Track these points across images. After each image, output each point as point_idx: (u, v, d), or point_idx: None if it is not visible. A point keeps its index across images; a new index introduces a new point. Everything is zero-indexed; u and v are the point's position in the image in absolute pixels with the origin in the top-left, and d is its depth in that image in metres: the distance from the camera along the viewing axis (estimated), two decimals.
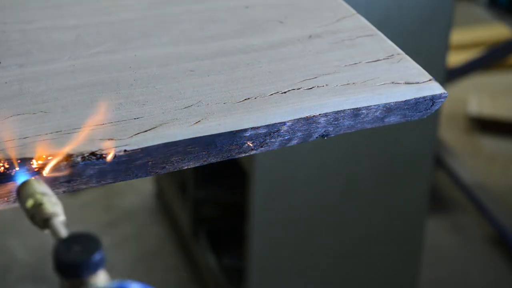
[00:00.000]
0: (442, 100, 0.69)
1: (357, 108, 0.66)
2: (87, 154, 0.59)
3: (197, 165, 0.64)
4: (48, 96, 0.64)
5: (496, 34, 3.19)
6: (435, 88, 0.69)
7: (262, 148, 0.65)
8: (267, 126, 0.64)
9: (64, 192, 0.60)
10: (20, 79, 0.66)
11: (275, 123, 0.64)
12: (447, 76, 2.06)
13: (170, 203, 2.29)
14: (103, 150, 0.59)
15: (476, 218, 2.38)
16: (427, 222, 1.94)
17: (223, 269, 1.92)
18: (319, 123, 0.66)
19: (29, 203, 0.56)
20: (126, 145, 0.60)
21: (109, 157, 0.59)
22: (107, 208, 2.38)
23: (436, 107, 0.70)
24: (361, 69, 0.71)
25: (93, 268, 0.53)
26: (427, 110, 0.70)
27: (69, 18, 0.76)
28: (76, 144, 0.59)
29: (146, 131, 0.61)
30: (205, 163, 0.64)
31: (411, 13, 1.55)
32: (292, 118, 0.64)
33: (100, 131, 0.60)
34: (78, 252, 0.53)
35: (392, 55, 0.73)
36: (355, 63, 0.71)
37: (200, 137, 0.62)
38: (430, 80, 0.70)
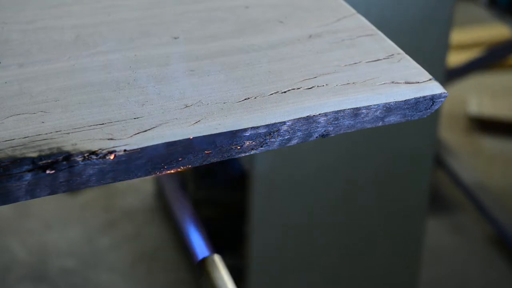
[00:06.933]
0: (442, 99, 0.69)
1: (357, 107, 0.66)
2: (87, 154, 0.59)
3: (197, 165, 0.64)
4: (48, 96, 0.64)
5: (496, 34, 3.19)
6: (435, 88, 0.69)
7: (262, 148, 0.65)
8: (267, 125, 0.64)
9: (64, 192, 0.60)
10: (20, 79, 0.66)
11: (275, 123, 0.64)
12: (447, 76, 2.07)
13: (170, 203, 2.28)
14: (103, 150, 0.59)
15: (476, 218, 2.38)
16: (427, 222, 1.94)
17: None
18: (319, 122, 0.66)
19: None
20: (126, 144, 0.60)
21: (109, 157, 0.59)
22: (107, 208, 2.38)
23: (436, 107, 0.70)
24: (361, 68, 0.71)
25: None
26: (427, 109, 0.70)
27: (69, 18, 0.76)
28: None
29: (146, 130, 0.61)
30: (205, 163, 0.64)
31: (411, 13, 1.55)
32: (292, 118, 0.64)
33: (99, 131, 0.61)
34: None
35: (392, 54, 0.73)
36: (355, 63, 0.71)
37: (200, 137, 0.62)
38: (430, 79, 0.70)
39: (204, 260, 0.60)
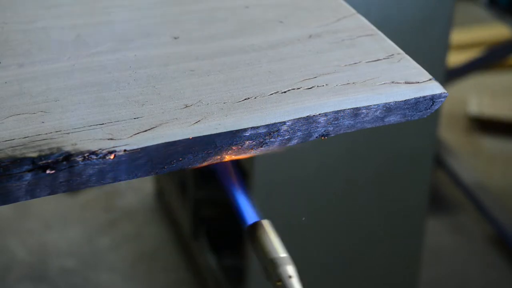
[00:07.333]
0: (442, 99, 0.69)
1: (357, 107, 0.66)
2: (87, 154, 0.59)
3: (197, 165, 0.64)
4: (48, 96, 0.64)
5: (496, 34, 3.19)
6: (435, 88, 0.69)
7: (262, 148, 0.65)
8: (267, 126, 0.64)
9: (64, 192, 0.60)
10: (20, 79, 0.66)
11: (275, 123, 0.64)
12: (447, 76, 2.06)
13: (170, 203, 2.29)
14: (103, 150, 0.59)
15: (476, 218, 2.38)
16: (427, 222, 1.94)
17: (223, 269, 1.92)
18: (319, 122, 0.66)
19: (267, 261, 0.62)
20: (126, 144, 0.60)
21: (109, 157, 0.59)
22: (107, 208, 2.38)
23: (436, 107, 0.70)
24: (361, 68, 0.70)
25: None
26: (427, 109, 0.70)
27: (69, 18, 0.76)
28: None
29: (146, 130, 0.61)
30: (205, 163, 0.64)
31: (411, 13, 1.55)
32: (292, 118, 0.64)
33: (100, 131, 0.61)
34: None
35: (392, 54, 0.73)
36: (355, 63, 0.71)
37: (200, 137, 0.62)
38: (430, 79, 0.70)
39: (253, 225, 0.64)
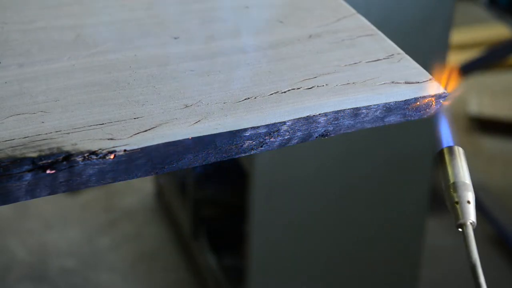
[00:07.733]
0: (442, 99, 0.69)
1: (357, 107, 0.66)
2: (87, 154, 0.59)
3: (197, 165, 0.64)
4: (48, 96, 0.64)
5: (496, 34, 3.19)
6: (435, 88, 0.69)
7: (262, 148, 0.65)
8: (267, 126, 0.64)
9: (64, 192, 0.60)
10: (20, 79, 0.66)
11: (275, 123, 0.64)
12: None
13: (170, 203, 2.29)
14: (103, 150, 0.59)
15: (476, 218, 2.38)
16: (427, 222, 1.94)
17: (223, 269, 1.92)
18: (319, 122, 0.66)
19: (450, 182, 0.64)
20: (126, 144, 0.60)
21: (109, 157, 0.59)
22: (107, 208, 2.38)
23: (436, 107, 0.70)
24: (361, 68, 0.71)
25: None
26: (427, 109, 0.70)
27: (69, 18, 0.76)
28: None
29: (146, 130, 0.61)
30: (205, 163, 0.64)
31: (411, 13, 1.55)
32: (292, 118, 0.64)
33: (99, 131, 0.61)
34: None
35: (392, 54, 0.73)
36: (355, 63, 0.71)
37: (200, 137, 0.62)
38: (430, 79, 0.70)
39: (447, 148, 0.67)
